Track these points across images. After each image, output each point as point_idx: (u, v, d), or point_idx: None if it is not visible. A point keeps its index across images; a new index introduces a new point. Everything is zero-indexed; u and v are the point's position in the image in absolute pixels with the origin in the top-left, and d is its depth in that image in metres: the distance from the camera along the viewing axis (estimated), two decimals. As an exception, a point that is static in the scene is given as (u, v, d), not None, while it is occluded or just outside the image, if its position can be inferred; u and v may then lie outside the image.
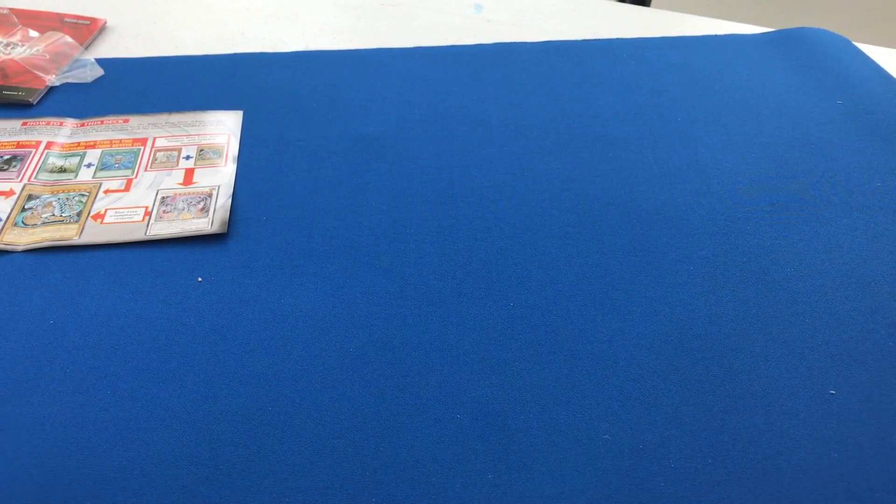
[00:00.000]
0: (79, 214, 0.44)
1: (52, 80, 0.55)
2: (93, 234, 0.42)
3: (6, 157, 0.48)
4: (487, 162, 0.50)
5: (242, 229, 0.44)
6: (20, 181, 0.46)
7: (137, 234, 0.42)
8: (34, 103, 0.53)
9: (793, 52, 0.63)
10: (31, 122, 0.51)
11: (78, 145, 0.49)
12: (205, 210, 0.44)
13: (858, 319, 0.39)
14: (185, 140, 0.50)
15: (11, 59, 0.57)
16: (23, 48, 0.58)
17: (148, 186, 0.46)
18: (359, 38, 0.65)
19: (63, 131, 0.51)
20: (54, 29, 0.61)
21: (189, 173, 0.47)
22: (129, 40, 0.63)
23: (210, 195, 0.46)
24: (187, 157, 0.49)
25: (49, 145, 0.49)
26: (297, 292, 0.40)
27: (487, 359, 0.37)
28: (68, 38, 0.59)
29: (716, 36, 0.66)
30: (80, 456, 0.32)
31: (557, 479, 0.32)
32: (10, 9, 0.64)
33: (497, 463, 0.32)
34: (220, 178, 0.47)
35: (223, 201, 0.45)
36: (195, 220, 0.44)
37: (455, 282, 0.41)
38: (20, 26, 0.61)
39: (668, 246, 0.43)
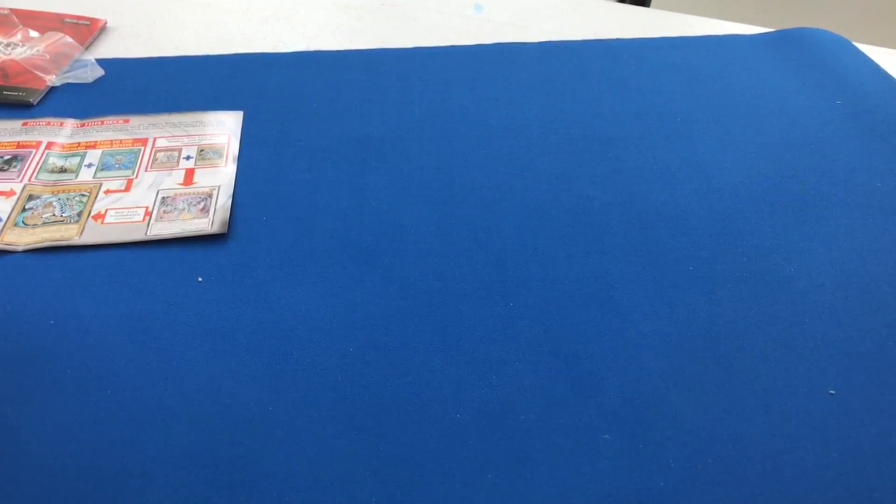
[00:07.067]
0: (79, 214, 0.44)
1: (52, 80, 0.55)
2: (93, 234, 0.42)
3: (7, 157, 0.48)
4: (487, 162, 0.50)
5: (242, 229, 0.44)
6: (21, 181, 0.46)
7: (138, 235, 0.42)
8: (34, 103, 0.53)
9: (792, 53, 0.63)
10: (31, 122, 0.51)
11: (78, 145, 0.49)
12: (205, 210, 0.44)
13: (858, 319, 0.39)
14: (186, 140, 0.50)
15: (12, 60, 0.57)
16: (23, 48, 0.58)
17: (148, 187, 0.46)
18: (359, 39, 0.65)
19: (63, 131, 0.51)
20: (54, 29, 0.61)
21: (189, 173, 0.47)
22: (130, 41, 0.63)
23: (210, 195, 0.46)
24: (187, 158, 0.49)
25: (49, 145, 0.49)
26: (297, 292, 0.40)
27: (487, 359, 0.37)
28: (69, 39, 0.59)
29: (715, 36, 0.66)
30: (80, 456, 0.32)
31: (557, 479, 0.32)
32: (11, 9, 0.64)
33: (497, 463, 0.32)
34: (221, 178, 0.47)
35: (223, 201, 0.45)
36: (195, 221, 0.44)
37: (455, 282, 0.41)
38: (20, 26, 0.61)
39: (668, 246, 0.43)
